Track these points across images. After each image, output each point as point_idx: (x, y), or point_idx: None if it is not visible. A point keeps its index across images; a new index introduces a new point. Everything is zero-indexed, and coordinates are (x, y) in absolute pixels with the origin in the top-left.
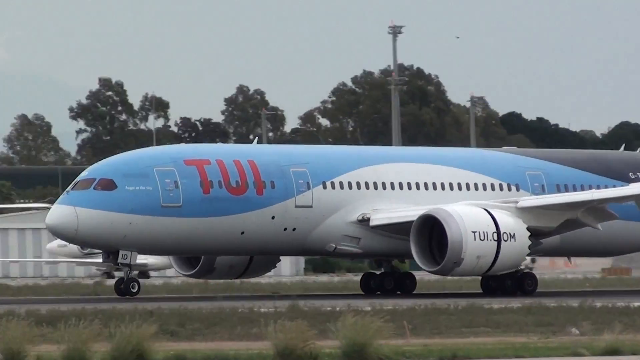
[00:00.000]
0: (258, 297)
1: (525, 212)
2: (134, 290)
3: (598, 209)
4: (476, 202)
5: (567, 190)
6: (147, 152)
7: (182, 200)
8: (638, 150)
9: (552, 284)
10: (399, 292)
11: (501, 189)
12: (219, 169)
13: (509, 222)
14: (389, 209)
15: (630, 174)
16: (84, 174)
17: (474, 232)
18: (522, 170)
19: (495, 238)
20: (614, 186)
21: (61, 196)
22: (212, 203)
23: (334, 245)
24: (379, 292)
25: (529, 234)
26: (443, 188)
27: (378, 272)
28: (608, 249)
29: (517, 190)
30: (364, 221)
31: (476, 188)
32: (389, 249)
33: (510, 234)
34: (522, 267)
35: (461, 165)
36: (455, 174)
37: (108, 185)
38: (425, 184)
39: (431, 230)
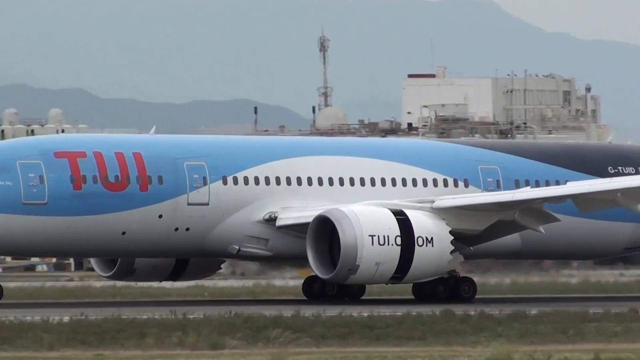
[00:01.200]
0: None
1: (445, 213)
2: None
3: (536, 210)
4: (386, 202)
5: (527, 186)
6: (12, 143)
7: (47, 197)
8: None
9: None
10: (346, 298)
11: (445, 184)
12: (95, 162)
13: (427, 224)
14: (300, 208)
15: (609, 168)
16: None
17: (372, 235)
18: (474, 163)
19: (399, 242)
20: None
21: None
22: (85, 200)
23: (237, 247)
24: (321, 298)
25: (452, 237)
26: (373, 184)
27: None
28: (583, 252)
29: (466, 186)
30: (271, 220)
31: (414, 184)
32: (301, 251)
33: (426, 238)
34: (456, 272)
35: (397, 157)
36: (388, 167)
37: None
38: (351, 179)
39: (333, 233)
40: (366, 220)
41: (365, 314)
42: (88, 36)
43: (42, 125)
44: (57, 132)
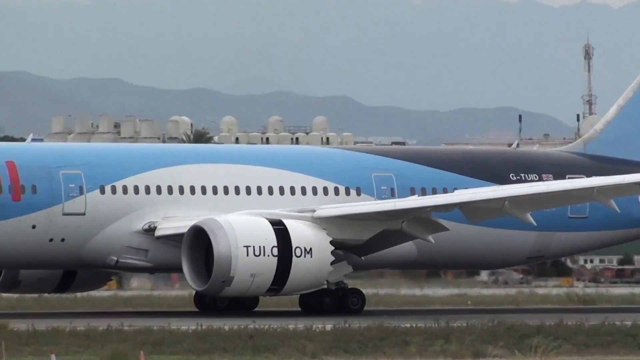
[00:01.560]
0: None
1: (327, 223)
2: None
3: (424, 220)
4: (265, 212)
5: (424, 194)
6: None
7: None
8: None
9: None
10: (241, 310)
11: (336, 193)
12: None
13: (306, 234)
14: (181, 217)
15: (511, 175)
16: None
17: (247, 246)
18: (368, 171)
19: (275, 253)
20: None
21: None
22: None
23: (115, 258)
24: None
25: (332, 248)
26: (260, 192)
27: None
28: (484, 262)
29: (358, 194)
30: (150, 231)
31: (303, 192)
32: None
33: (304, 249)
34: (344, 283)
35: (287, 165)
36: (276, 175)
37: None
38: (237, 188)
39: (209, 243)
40: (241, 231)
41: (628, 323)
42: (352, 44)
43: (307, 133)
44: (322, 140)
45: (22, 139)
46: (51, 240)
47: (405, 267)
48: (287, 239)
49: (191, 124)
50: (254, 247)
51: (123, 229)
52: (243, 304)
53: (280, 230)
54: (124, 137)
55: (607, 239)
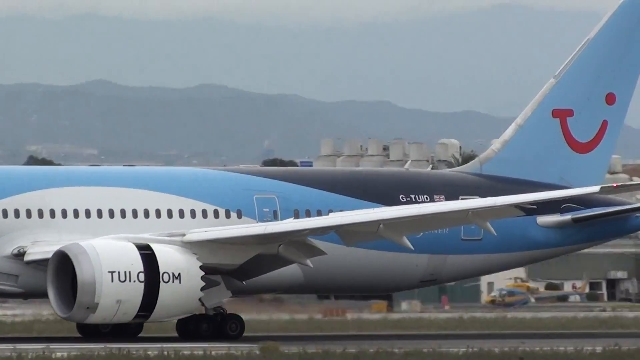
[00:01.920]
0: None
1: (197, 247)
2: None
3: (300, 243)
4: (132, 236)
5: (309, 216)
6: None
7: None
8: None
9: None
10: (124, 336)
11: (216, 215)
12: None
13: (175, 259)
14: (52, 242)
15: (400, 196)
16: None
17: (112, 272)
18: (250, 193)
19: (142, 279)
20: None
21: None
22: None
23: None
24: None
25: (202, 273)
26: (135, 216)
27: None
28: (375, 286)
29: (239, 217)
30: (20, 255)
31: (180, 215)
32: None
33: (172, 274)
34: (223, 308)
35: (164, 188)
36: (153, 198)
37: None
38: (110, 211)
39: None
40: (106, 256)
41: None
42: None
43: None
44: None
45: (292, 163)
46: None
47: (292, 291)
48: (155, 264)
49: (459, 147)
50: (119, 272)
51: None
52: (126, 330)
53: (148, 255)
54: (393, 160)
55: (504, 261)
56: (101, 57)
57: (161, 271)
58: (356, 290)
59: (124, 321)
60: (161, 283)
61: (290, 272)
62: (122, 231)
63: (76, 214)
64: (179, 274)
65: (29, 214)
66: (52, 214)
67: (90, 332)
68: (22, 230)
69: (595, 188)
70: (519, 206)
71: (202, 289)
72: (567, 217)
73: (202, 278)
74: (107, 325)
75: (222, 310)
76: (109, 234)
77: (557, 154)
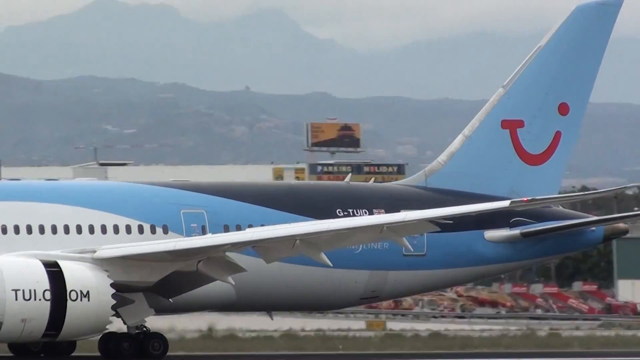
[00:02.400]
0: None
1: (109, 264)
2: None
3: (219, 260)
4: (40, 253)
5: (239, 231)
6: None
7: None
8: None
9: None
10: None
11: (140, 231)
12: None
13: (84, 277)
14: None
15: (337, 210)
16: None
17: (17, 290)
18: (177, 207)
19: (48, 297)
20: None
21: None
22: None
23: None
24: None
25: (113, 291)
26: (53, 231)
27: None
28: (314, 303)
29: (165, 232)
30: None
31: (102, 231)
32: None
33: (80, 292)
34: (145, 327)
35: (86, 202)
36: (72, 213)
37: None
38: (16, 227)
39: None
40: (10, 273)
41: None
42: None
43: None
44: None
45: None
46: None
47: (225, 309)
48: (62, 281)
49: None
50: (23, 290)
51: None
52: (58, 348)
53: (54, 272)
54: None
55: (449, 277)
56: None
57: (68, 289)
58: (293, 308)
59: (31, 340)
60: (68, 301)
61: (220, 289)
62: (35, 248)
63: None
64: (87, 292)
65: None
66: None
67: (21, 350)
68: None
69: (505, 203)
70: (433, 221)
71: (114, 307)
72: (516, 231)
73: (114, 296)
74: (36, 344)
75: (145, 329)
76: (16, 251)
77: (507, 166)
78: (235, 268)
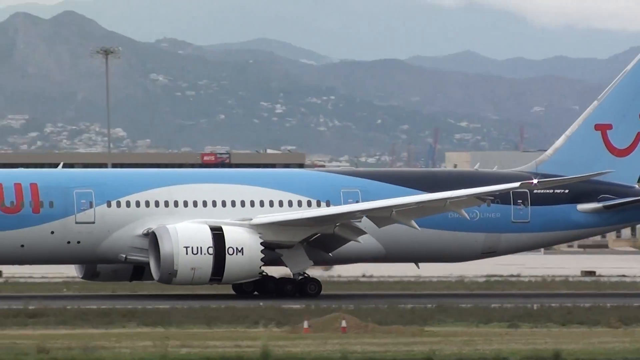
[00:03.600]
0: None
1: (262, 228)
2: None
3: (348, 225)
4: (210, 220)
5: None
6: None
7: None
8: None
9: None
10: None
11: (309, 205)
12: None
13: (240, 237)
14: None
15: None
16: None
17: (187, 247)
18: (337, 187)
19: (211, 252)
20: None
21: None
22: None
23: (124, 256)
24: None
25: (262, 248)
26: (243, 205)
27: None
28: (444, 256)
29: (328, 206)
30: (147, 235)
31: (280, 205)
32: None
33: (236, 248)
34: (306, 273)
35: (271, 184)
36: (257, 192)
37: None
38: (223, 202)
39: None
40: (183, 235)
41: None
42: None
43: None
44: None
45: None
46: (69, 242)
47: (376, 261)
48: (222, 241)
49: None
50: (192, 247)
51: (128, 233)
52: (266, 289)
53: (218, 234)
54: None
55: (548, 239)
56: None
57: (227, 246)
58: (430, 260)
59: (200, 284)
60: (227, 255)
61: (372, 245)
62: (225, 216)
63: (194, 204)
64: (242, 248)
65: (156, 204)
66: (176, 204)
67: (241, 290)
68: (151, 216)
69: (516, 184)
70: (479, 197)
71: (262, 259)
72: (600, 205)
73: (263, 251)
74: (249, 285)
75: (305, 275)
76: (215, 218)
77: (599, 158)
78: (359, 232)
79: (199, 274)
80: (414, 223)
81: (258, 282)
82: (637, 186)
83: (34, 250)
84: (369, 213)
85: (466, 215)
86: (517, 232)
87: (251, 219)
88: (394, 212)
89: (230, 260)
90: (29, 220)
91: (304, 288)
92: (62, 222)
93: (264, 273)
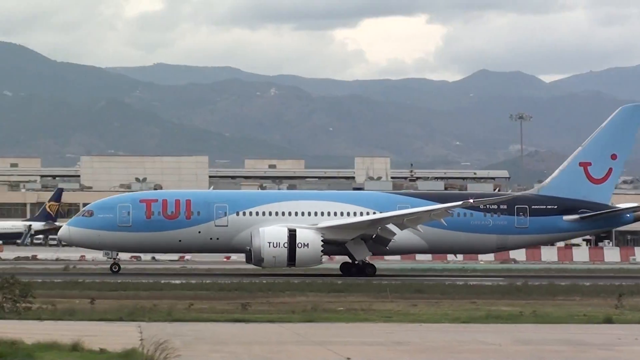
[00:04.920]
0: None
1: (324, 230)
2: (115, 270)
3: (384, 228)
4: (290, 225)
5: None
6: (119, 196)
7: (131, 222)
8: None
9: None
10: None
11: (365, 214)
12: (161, 204)
13: (307, 236)
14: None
15: (480, 205)
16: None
17: (269, 242)
18: (394, 203)
19: (286, 246)
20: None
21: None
22: (154, 223)
23: (249, 247)
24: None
25: (322, 243)
26: (322, 215)
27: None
28: (471, 249)
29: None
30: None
31: (348, 214)
32: None
33: (304, 244)
34: (366, 260)
35: (344, 200)
36: (334, 206)
37: (88, 213)
38: (309, 213)
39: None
40: (268, 234)
41: None
42: None
43: None
44: None
45: None
46: (211, 239)
47: (421, 252)
48: (294, 238)
49: None
50: (273, 242)
51: (250, 233)
52: (364, 272)
53: (292, 234)
54: None
55: (542, 239)
56: None
57: (297, 242)
58: (459, 252)
59: (280, 266)
60: (297, 248)
61: (417, 241)
62: (304, 223)
63: (294, 214)
64: (308, 243)
65: (268, 214)
66: (277, 214)
67: (348, 272)
68: (262, 223)
69: (459, 203)
70: (449, 210)
71: (321, 251)
72: (577, 216)
73: (323, 245)
74: (353, 266)
75: (365, 261)
76: (304, 224)
77: (582, 185)
78: (392, 234)
79: (279, 260)
80: (419, 227)
81: (345, 265)
82: (609, 204)
83: (188, 244)
84: (384, 221)
85: (444, 223)
86: (519, 234)
87: (317, 224)
88: (405, 220)
89: (299, 251)
90: (183, 224)
91: (363, 270)
92: (206, 226)
93: (361, 261)
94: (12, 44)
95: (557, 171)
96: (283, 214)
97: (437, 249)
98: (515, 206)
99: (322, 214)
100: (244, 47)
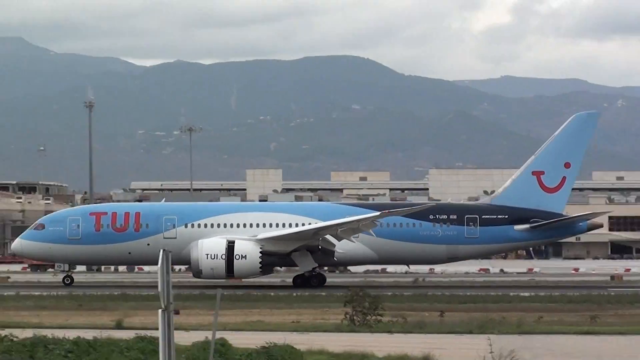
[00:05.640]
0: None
1: (263, 241)
2: (68, 282)
3: (324, 239)
4: (229, 237)
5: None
6: (69, 210)
7: (80, 235)
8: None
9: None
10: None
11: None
12: (110, 217)
13: (245, 247)
14: (214, 239)
15: (429, 216)
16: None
17: (207, 254)
18: (343, 213)
19: (224, 257)
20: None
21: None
22: (104, 236)
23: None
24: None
25: (260, 255)
26: (269, 226)
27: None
28: (420, 260)
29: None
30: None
31: (290, 225)
32: None
33: (242, 255)
34: (315, 271)
35: (292, 211)
36: (281, 217)
37: (40, 227)
38: (257, 225)
39: None
40: (206, 247)
41: None
42: None
43: None
44: None
45: None
46: (159, 250)
47: (370, 263)
48: (232, 250)
49: None
50: (211, 254)
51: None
52: (309, 283)
53: (230, 245)
54: None
55: (493, 249)
56: None
57: (235, 254)
58: (409, 262)
59: (219, 278)
60: (234, 260)
61: (367, 251)
62: (249, 234)
63: (238, 225)
64: (245, 255)
65: (212, 226)
66: (225, 225)
67: (300, 284)
68: (208, 234)
69: (377, 214)
70: (374, 220)
71: (260, 263)
72: (528, 225)
73: (260, 257)
74: (313, 280)
75: (313, 272)
76: (245, 235)
77: (534, 194)
78: (332, 245)
79: (217, 272)
80: (352, 238)
81: (300, 277)
82: (563, 213)
83: (137, 255)
84: (322, 232)
85: (373, 234)
86: (469, 244)
87: (256, 235)
88: (339, 230)
89: (237, 263)
90: (132, 236)
91: (308, 281)
92: (155, 238)
93: (316, 271)
94: (360, 58)
95: (509, 180)
96: (231, 225)
97: (387, 260)
98: (465, 216)
99: (270, 225)
100: (591, 58)
